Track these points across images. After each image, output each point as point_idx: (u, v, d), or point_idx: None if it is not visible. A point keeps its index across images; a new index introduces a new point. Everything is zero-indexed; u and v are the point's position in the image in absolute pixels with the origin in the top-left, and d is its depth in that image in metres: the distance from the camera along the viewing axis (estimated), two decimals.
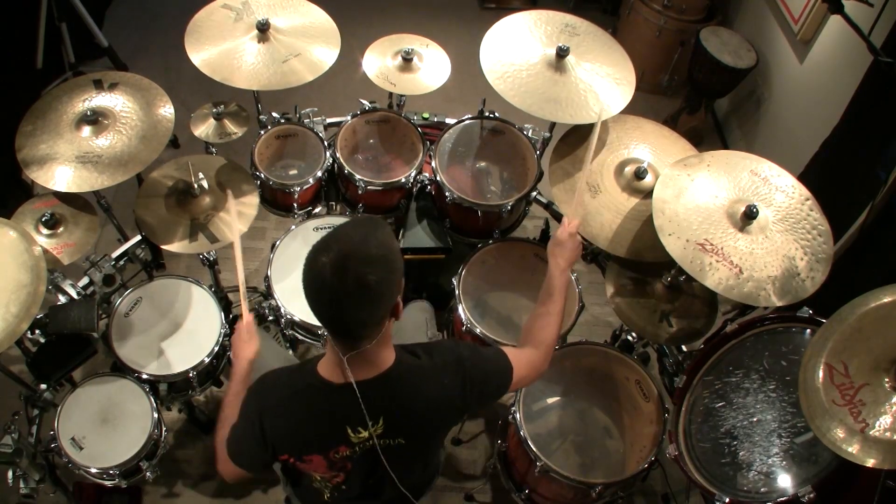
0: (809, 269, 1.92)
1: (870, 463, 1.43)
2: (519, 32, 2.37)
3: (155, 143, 2.10)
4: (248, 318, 1.75)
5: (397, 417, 1.43)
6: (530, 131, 2.57)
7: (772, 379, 1.90)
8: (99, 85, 2.18)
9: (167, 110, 2.17)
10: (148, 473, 2.09)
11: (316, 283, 1.26)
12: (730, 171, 2.07)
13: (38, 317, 2.01)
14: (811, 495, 1.78)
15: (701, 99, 3.76)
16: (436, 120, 2.73)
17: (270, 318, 2.34)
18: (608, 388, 2.28)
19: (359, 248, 1.25)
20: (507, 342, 2.20)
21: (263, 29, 2.29)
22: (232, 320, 2.49)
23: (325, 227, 2.45)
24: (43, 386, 2.09)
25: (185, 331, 2.26)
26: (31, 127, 2.08)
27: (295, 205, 2.49)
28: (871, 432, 1.44)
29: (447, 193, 2.42)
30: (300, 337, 2.36)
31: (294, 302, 2.28)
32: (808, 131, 2.98)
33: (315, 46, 2.33)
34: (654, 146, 2.31)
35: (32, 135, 2.07)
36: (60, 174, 2.02)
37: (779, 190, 2.04)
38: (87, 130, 2.08)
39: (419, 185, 2.59)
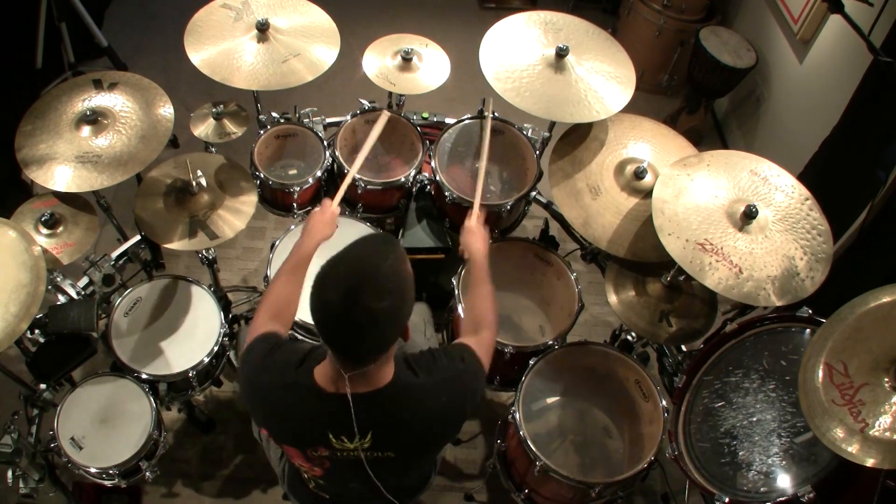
0: (809, 269, 1.92)
1: (869, 462, 1.43)
2: (516, 33, 2.37)
3: (154, 143, 2.10)
4: (336, 206, 1.93)
5: (387, 433, 1.41)
6: (530, 131, 2.57)
7: (771, 379, 1.90)
8: (98, 85, 2.18)
9: (167, 110, 2.17)
10: (147, 473, 2.09)
11: (324, 313, 1.24)
12: (729, 171, 2.07)
13: (38, 316, 2.01)
14: (811, 495, 1.78)
15: (701, 99, 3.76)
16: (435, 120, 2.73)
17: None
18: (608, 388, 2.28)
19: (370, 279, 1.22)
20: (507, 342, 2.21)
21: (263, 29, 2.29)
22: (231, 320, 2.49)
23: None
24: (42, 386, 2.09)
25: (185, 330, 2.26)
26: (31, 127, 2.08)
27: (294, 204, 2.49)
28: (870, 432, 1.44)
29: (447, 193, 2.42)
30: (300, 337, 2.35)
31: None
32: (807, 131, 2.98)
33: (314, 46, 2.33)
34: (653, 144, 2.31)
35: (32, 135, 2.06)
36: (60, 174, 2.02)
37: (778, 190, 2.04)
38: (86, 130, 2.08)
39: (419, 184, 2.59)
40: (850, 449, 1.45)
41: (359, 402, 1.34)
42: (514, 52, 2.32)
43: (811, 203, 2.01)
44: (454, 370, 1.49)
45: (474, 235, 1.91)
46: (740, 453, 1.90)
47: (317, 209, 1.90)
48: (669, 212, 1.98)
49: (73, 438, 2.02)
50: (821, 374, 1.52)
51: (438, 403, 1.44)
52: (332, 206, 1.92)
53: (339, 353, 1.31)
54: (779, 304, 1.88)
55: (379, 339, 1.28)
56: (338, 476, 1.53)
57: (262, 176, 2.38)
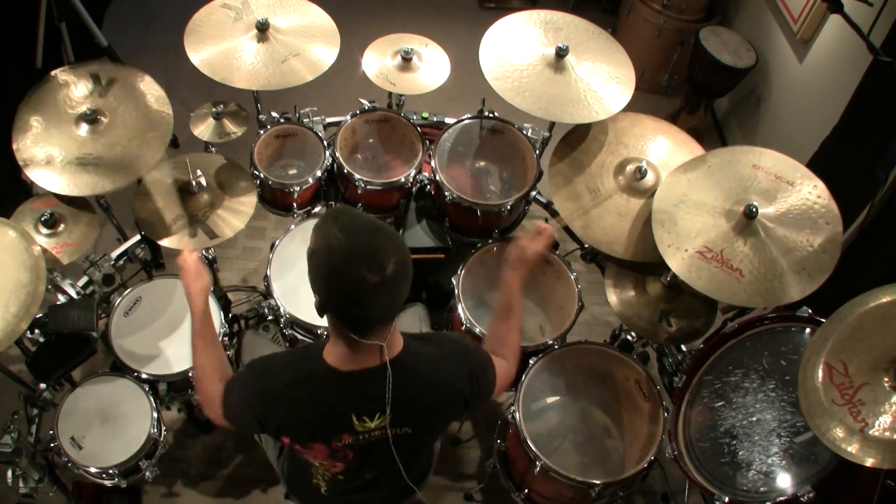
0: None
1: (869, 462, 1.42)
2: (516, 33, 2.37)
3: (155, 144, 2.09)
4: (193, 254, 1.76)
5: (405, 405, 1.42)
6: (530, 131, 2.57)
7: (771, 378, 1.90)
8: (97, 81, 2.17)
9: (167, 110, 2.17)
10: (147, 473, 2.09)
11: (359, 291, 1.24)
12: (729, 171, 2.07)
13: (38, 316, 2.01)
14: (810, 495, 1.77)
15: (700, 98, 3.76)
16: (435, 119, 2.73)
17: (270, 317, 2.34)
18: (608, 388, 2.28)
19: (373, 240, 1.25)
20: None
21: (263, 28, 2.29)
22: (231, 320, 2.49)
23: None
24: (42, 385, 2.09)
25: (185, 330, 2.25)
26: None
27: (294, 204, 2.49)
28: (870, 432, 1.44)
29: (447, 193, 2.42)
30: (300, 336, 2.36)
31: (293, 301, 2.27)
32: (807, 131, 2.98)
33: (314, 46, 2.33)
34: (660, 143, 2.31)
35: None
36: (60, 175, 2.00)
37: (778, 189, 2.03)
38: (85, 129, 2.08)
39: (419, 184, 2.59)
40: (849, 449, 1.44)
41: (374, 375, 1.36)
42: (513, 51, 2.32)
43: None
44: (462, 345, 1.52)
45: (526, 266, 1.73)
46: (740, 453, 1.90)
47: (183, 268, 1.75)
48: (669, 223, 1.98)
49: (73, 438, 2.02)
50: (821, 373, 1.52)
51: (447, 373, 1.47)
52: (187, 254, 1.76)
53: (373, 321, 1.31)
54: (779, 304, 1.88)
55: (406, 288, 1.30)
56: (359, 466, 1.53)
57: (262, 176, 2.38)
